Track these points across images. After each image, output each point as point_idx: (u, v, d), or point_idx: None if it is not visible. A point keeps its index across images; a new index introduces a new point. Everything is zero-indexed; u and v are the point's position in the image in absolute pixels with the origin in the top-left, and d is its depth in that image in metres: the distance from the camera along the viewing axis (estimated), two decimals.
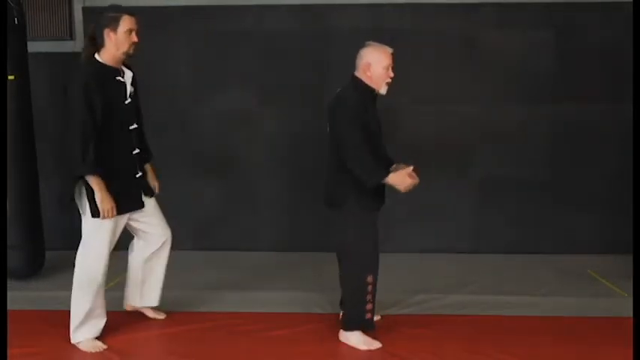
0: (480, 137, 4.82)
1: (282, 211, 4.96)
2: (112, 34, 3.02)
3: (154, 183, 3.44)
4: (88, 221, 3.13)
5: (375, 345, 3.20)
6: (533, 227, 4.87)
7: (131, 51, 3.09)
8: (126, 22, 3.04)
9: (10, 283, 3.78)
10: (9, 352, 2.79)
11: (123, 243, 4.95)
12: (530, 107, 4.79)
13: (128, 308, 3.56)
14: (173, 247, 4.92)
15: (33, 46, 4.37)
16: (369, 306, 3.20)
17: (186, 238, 5.01)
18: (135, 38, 3.07)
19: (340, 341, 3.27)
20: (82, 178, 3.03)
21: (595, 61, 4.72)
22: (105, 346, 3.20)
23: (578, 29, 4.72)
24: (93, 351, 3.16)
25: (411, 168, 3.11)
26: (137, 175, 3.24)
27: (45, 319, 3.58)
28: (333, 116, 3.15)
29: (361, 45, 3.23)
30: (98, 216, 3.07)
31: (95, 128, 2.98)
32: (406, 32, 4.69)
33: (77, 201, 3.14)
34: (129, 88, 3.19)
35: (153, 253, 3.46)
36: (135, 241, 3.47)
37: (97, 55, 3.07)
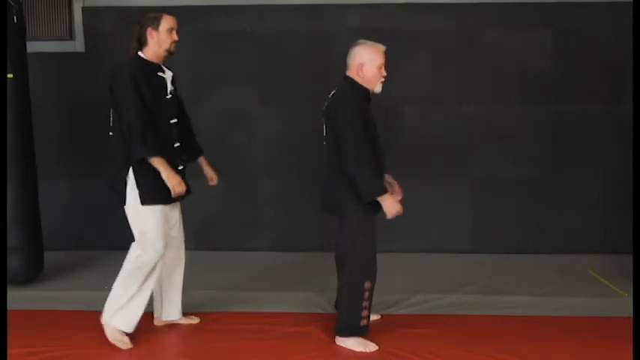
0: (480, 137, 4.82)
1: (282, 211, 4.96)
2: (154, 33, 3.17)
3: (211, 175, 3.60)
4: (138, 212, 3.18)
5: (371, 347, 3.20)
6: (533, 227, 4.87)
7: (172, 48, 3.23)
8: (167, 21, 3.19)
9: (10, 284, 3.79)
10: (9, 352, 2.79)
11: (123, 243, 4.98)
12: (530, 107, 4.79)
13: (159, 323, 3.55)
14: None
15: (33, 46, 4.36)
16: (365, 312, 3.19)
17: (186, 238, 5.01)
18: (175, 36, 3.22)
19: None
20: (132, 167, 3.12)
21: (595, 61, 4.72)
22: (131, 345, 3.20)
23: (578, 29, 4.72)
24: (117, 344, 3.19)
25: (398, 192, 3.21)
26: (179, 168, 3.29)
27: (45, 319, 3.59)
28: (332, 119, 3.11)
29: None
30: (149, 203, 3.15)
31: (148, 114, 3.09)
32: (406, 32, 4.69)
33: (123, 192, 3.19)
34: (169, 86, 3.29)
35: (171, 260, 3.42)
36: None
37: (140, 53, 3.21)
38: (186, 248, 4.96)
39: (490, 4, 4.73)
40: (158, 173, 3.12)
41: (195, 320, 3.57)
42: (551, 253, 4.79)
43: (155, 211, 3.18)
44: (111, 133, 3.25)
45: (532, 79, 4.75)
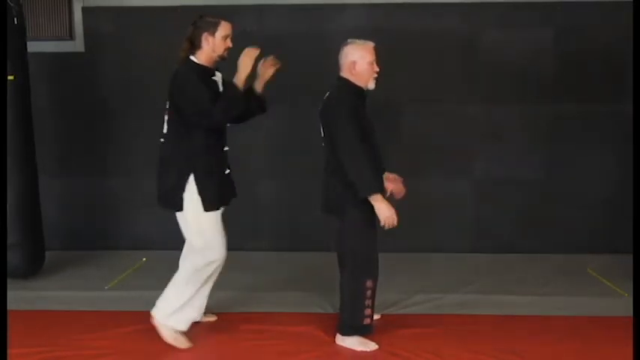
0: (480, 137, 4.82)
1: (282, 211, 4.96)
2: (210, 38, 3.14)
3: None
4: (199, 219, 3.16)
5: (371, 346, 3.20)
6: (533, 227, 4.87)
7: (225, 55, 3.20)
8: (224, 28, 3.17)
9: (10, 283, 3.79)
10: (9, 352, 2.79)
11: (123, 243, 4.99)
12: (530, 107, 4.79)
13: (205, 320, 3.55)
14: (173, 247, 4.95)
15: (33, 46, 4.37)
16: (367, 311, 3.19)
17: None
18: (229, 44, 3.20)
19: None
20: (192, 173, 3.09)
21: (595, 61, 4.72)
22: (190, 344, 3.20)
23: (578, 29, 4.72)
24: (176, 344, 3.20)
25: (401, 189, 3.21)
26: (226, 172, 3.30)
27: (45, 319, 3.59)
28: (327, 120, 3.13)
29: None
30: (212, 209, 3.14)
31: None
32: (406, 32, 4.70)
33: (180, 199, 3.14)
34: (220, 88, 3.27)
35: None
36: None
37: (192, 57, 3.18)
38: None
39: (490, 4, 4.73)
40: (218, 179, 3.16)
41: (213, 318, 3.57)
42: (551, 253, 4.79)
43: (215, 216, 3.18)
44: (162, 140, 3.20)
45: (532, 79, 4.75)
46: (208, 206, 3.14)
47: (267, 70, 3.38)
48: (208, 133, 3.13)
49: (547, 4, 4.71)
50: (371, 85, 3.19)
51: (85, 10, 4.83)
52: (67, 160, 4.97)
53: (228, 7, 4.79)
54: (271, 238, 4.96)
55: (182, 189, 3.11)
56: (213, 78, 3.22)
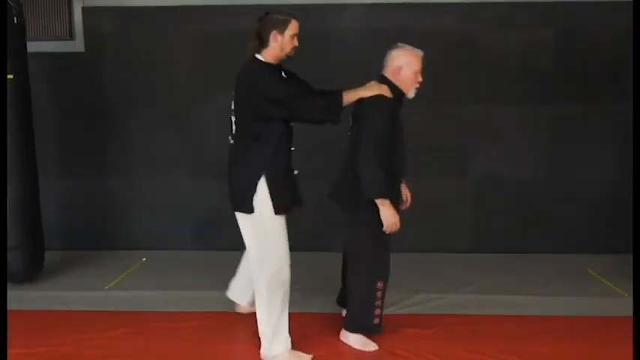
0: (480, 137, 4.82)
1: None
2: (278, 37, 3.06)
3: None
4: (264, 221, 3.05)
5: (371, 347, 3.21)
6: (533, 227, 4.87)
7: (292, 53, 3.14)
8: (293, 27, 3.10)
9: (10, 284, 3.79)
10: (9, 352, 2.79)
11: (123, 243, 4.98)
12: (530, 107, 4.79)
13: (242, 310, 3.59)
14: (173, 247, 4.97)
15: (33, 46, 4.37)
16: (377, 311, 3.19)
17: (186, 238, 5.02)
18: (296, 42, 3.13)
19: (340, 341, 3.28)
20: (263, 174, 3.02)
21: (595, 61, 4.72)
22: (310, 355, 3.13)
23: (578, 29, 4.72)
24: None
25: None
26: (294, 172, 3.23)
27: (45, 319, 3.59)
28: (360, 114, 3.07)
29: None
30: (282, 213, 3.05)
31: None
32: (406, 32, 4.68)
33: (250, 198, 3.04)
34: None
35: None
36: None
37: (258, 55, 3.10)
38: (187, 248, 5.00)
39: (490, 4, 4.73)
40: (289, 183, 3.11)
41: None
42: (551, 253, 4.79)
43: (283, 220, 3.09)
44: (231, 141, 3.14)
45: (532, 79, 4.75)
46: (279, 209, 3.04)
47: None
48: (280, 132, 3.04)
49: (547, 4, 4.71)
50: (411, 94, 3.16)
51: (85, 10, 4.83)
52: (67, 160, 4.97)
53: (228, 7, 4.80)
54: None
55: (253, 191, 3.02)
56: (283, 75, 3.16)
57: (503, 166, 4.86)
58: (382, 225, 3.08)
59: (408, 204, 3.40)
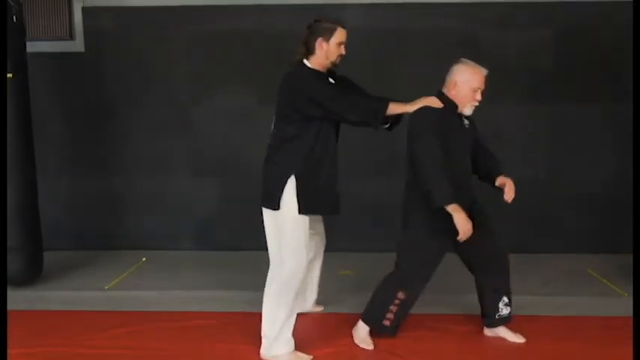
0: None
1: None
2: (324, 44, 3.06)
3: None
4: (287, 221, 3.04)
5: (365, 345, 3.21)
6: (533, 227, 4.87)
7: (337, 62, 3.13)
8: (339, 35, 3.08)
9: (10, 284, 3.79)
10: (9, 352, 2.79)
11: (123, 243, 4.99)
12: (530, 107, 4.79)
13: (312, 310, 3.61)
14: (173, 247, 4.97)
15: (33, 46, 4.37)
16: (389, 315, 3.18)
17: (186, 238, 5.02)
18: (343, 51, 3.10)
19: (340, 341, 3.27)
20: (293, 173, 3.00)
21: (595, 61, 4.72)
22: (311, 357, 3.11)
23: (578, 29, 4.72)
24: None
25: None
26: (333, 174, 3.15)
27: (45, 319, 3.59)
28: (409, 134, 3.06)
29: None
30: (306, 213, 3.04)
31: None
32: (406, 32, 4.69)
33: (278, 195, 3.03)
34: None
35: (312, 258, 3.39)
36: None
37: (305, 61, 3.11)
38: (187, 248, 5.01)
39: (490, 4, 4.73)
40: (322, 185, 3.07)
41: (320, 308, 3.64)
42: (551, 253, 4.79)
43: (305, 222, 3.06)
44: (269, 141, 3.16)
45: (532, 79, 4.75)
46: (304, 209, 3.02)
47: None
48: (317, 133, 3.03)
49: (547, 4, 4.71)
50: (466, 110, 3.11)
51: (85, 10, 4.83)
52: (67, 160, 4.97)
53: (228, 7, 4.80)
54: None
55: (282, 188, 3.01)
56: (331, 80, 3.15)
57: (504, 166, 4.85)
58: (431, 240, 3.09)
59: (511, 194, 3.33)
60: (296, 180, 3.02)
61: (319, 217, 3.38)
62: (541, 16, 4.72)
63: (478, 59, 4.72)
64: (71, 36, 4.87)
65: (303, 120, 3.02)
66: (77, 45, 4.86)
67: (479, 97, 3.09)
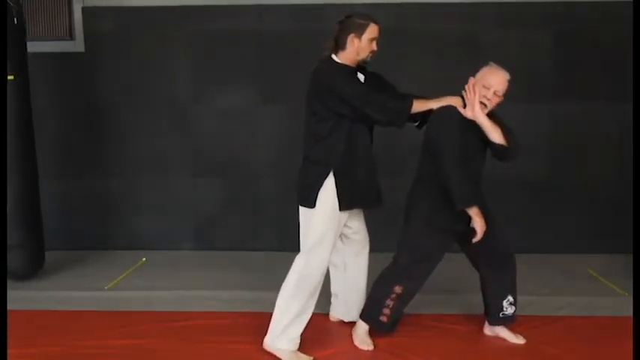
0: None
1: (282, 211, 4.95)
2: (355, 40, 3.03)
3: None
4: (320, 220, 3.04)
5: (365, 346, 3.21)
6: (533, 227, 4.87)
7: (368, 58, 3.10)
8: (371, 31, 3.05)
9: (10, 283, 3.79)
10: (9, 352, 2.79)
11: (123, 243, 4.99)
12: (530, 107, 4.79)
13: (332, 319, 3.55)
14: (173, 247, 4.97)
15: (33, 46, 4.37)
16: (386, 310, 3.18)
17: (186, 238, 5.03)
18: (375, 47, 3.07)
19: (340, 341, 3.27)
20: (332, 171, 3.01)
21: (595, 61, 4.72)
22: (311, 358, 3.09)
23: (578, 29, 4.72)
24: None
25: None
26: (371, 169, 3.17)
27: (45, 319, 3.59)
28: (432, 127, 3.07)
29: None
30: (346, 209, 3.05)
31: None
32: (406, 32, 4.69)
33: (315, 193, 3.03)
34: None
35: (352, 260, 3.40)
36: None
37: (334, 56, 3.09)
38: (187, 248, 5.01)
39: (490, 4, 4.73)
40: (360, 177, 3.07)
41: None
42: (551, 253, 4.79)
43: (340, 219, 3.07)
44: (304, 138, 3.15)
45: (532, 78, 4.75)
46: (345, 205, 3.04)
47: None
48: (350, 130, 3.03)
49: (547, 4, 4.71)
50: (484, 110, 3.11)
51: (85, 10, 4.83)
52: (67, 160, 4.97)
53: (228, 7, 4.80)
54: (271, 238, 4.96)
55: (319, 186, 3.02)
56: (359, 76, 3.12)
57: (503, 166, 4.84)
58: (432, 237, 3.11)
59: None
60: (335, 177, 3.02)
61: (359, 216, 3.35)
62: (541, 16, 4.72)
63: (478, 59, 4.75)
64: (71, 36, 4.87)
65: (335, 117, 3.02)
66: (77, 45, 4.86)
67: (498, 99, 3.12)
